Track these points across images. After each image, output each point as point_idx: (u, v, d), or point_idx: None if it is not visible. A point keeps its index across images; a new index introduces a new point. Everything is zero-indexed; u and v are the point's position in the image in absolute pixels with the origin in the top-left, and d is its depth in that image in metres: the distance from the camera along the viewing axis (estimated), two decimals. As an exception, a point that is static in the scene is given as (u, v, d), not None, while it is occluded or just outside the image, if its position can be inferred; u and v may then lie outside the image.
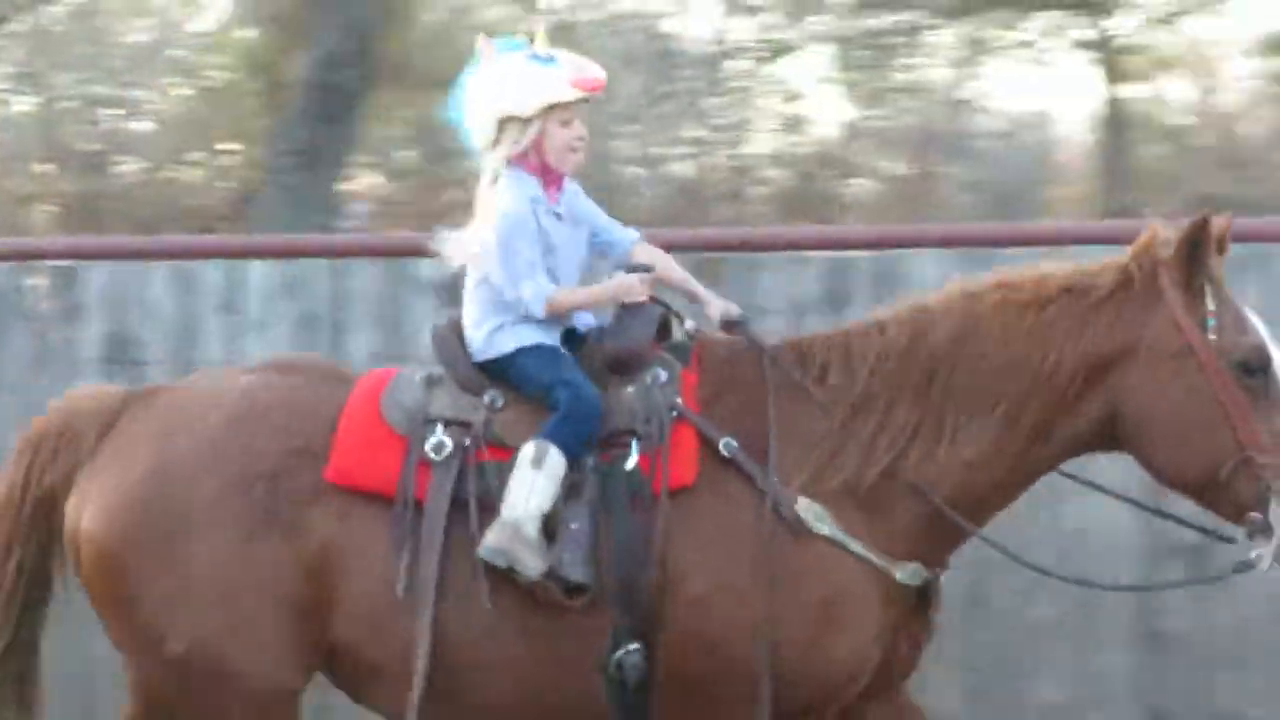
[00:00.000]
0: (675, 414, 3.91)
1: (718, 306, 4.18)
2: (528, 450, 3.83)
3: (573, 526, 3.81)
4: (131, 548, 3.93)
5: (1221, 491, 3.73)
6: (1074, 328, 3.79)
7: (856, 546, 3.82)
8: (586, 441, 3.88)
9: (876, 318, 4.07)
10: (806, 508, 3.82)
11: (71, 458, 4.11)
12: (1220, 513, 3.80)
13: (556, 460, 3.82)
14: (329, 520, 3.89)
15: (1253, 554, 3.72)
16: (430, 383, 4.04)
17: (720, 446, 3.87)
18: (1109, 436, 3.85)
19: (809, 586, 3.80)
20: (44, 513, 4.13)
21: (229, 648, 3.88)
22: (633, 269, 4.16)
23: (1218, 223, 3.77)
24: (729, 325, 4.14)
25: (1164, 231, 3.80)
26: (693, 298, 4.26)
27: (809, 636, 3.80)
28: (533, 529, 3.78)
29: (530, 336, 4.04)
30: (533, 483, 3.80)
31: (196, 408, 4.13)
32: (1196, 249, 3.74)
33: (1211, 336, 3.74)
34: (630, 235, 4.29)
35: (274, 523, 3.89)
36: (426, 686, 3.80)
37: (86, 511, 3.99)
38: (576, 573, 3.78)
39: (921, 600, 3.96)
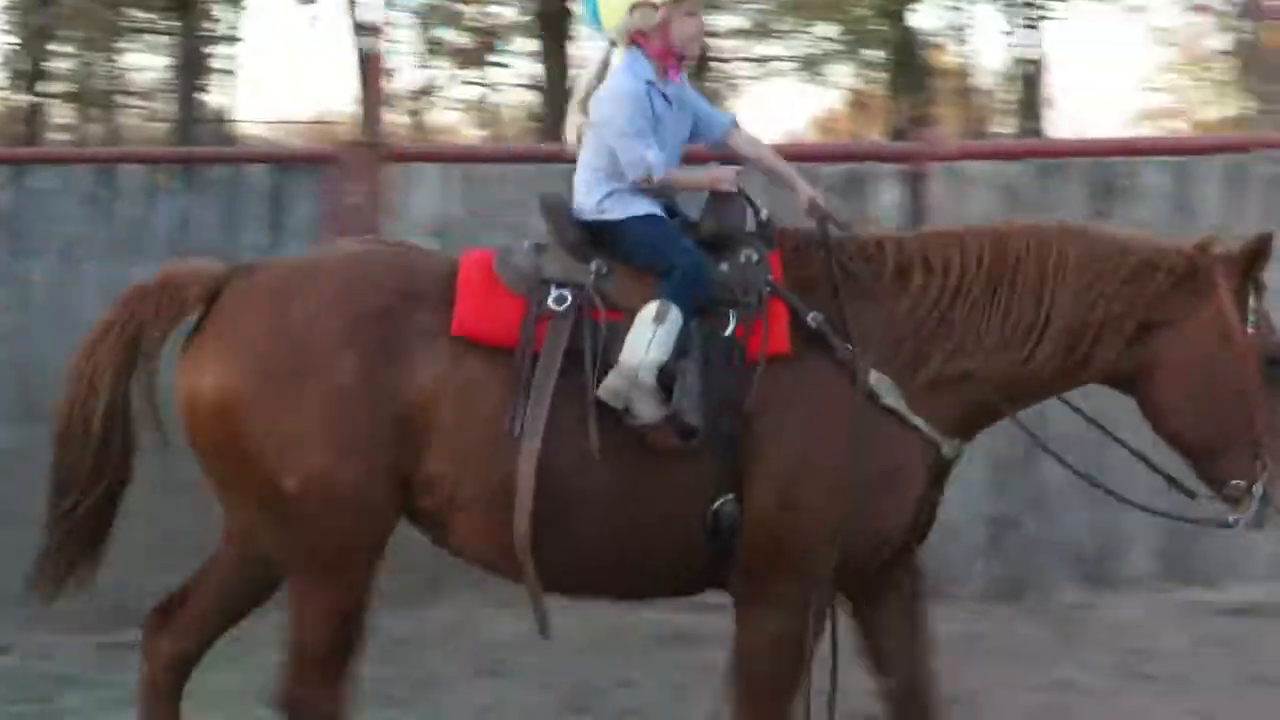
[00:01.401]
0: (770, 289, 4.37)
1: (806, 193, 4.64)
2: (651, 307, 4.25)
3: (689, 377, 4.21)
4: (256, 392, 4.26)
5: (1218, 460, 4.36)
6: (1142, 291, 4.37)
7: (916, 420, 4.35)
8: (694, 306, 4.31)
9: (957, 230, 4.62)
10: (878, 381, 4.32)
11: (173, 315, 4.44)
12: (1205, 475, 4.43)
13: (676, 318, 4.25)
14: (442, 360, 4.27)
15: (1231, 518, 4.36)
16: (539, 250, 4.45)
17: (809, 319, 4.33)
18: (1127, 379, 4.45)
19: (875, 453, 4.28)
20: (137, 366, 4.44)
21: (340, 477, 4.24)
22: (726, 162, 4.62)
23: (1276, 241, 4.41)
24: (814, 209, 4.59)
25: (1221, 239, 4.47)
26: (785, 182, 4.73)
27: (871, 498, 4.27)
28: (650, 377, 4.20)
29: (642, 206, 4.48)
30: (654, 336, 4.22)
31: (308, 267, 4.57)
32: (1256, 259, 4.37)
33: (1250, 330, 4.36)
34: (726, 121, 4.76)
35: (390, 357, 4.27)
36: (530, 513, 4.18)
37: (207, 367, 4.31)
38: (694, 417, 4.19)
39: (940, 472, 4.51)
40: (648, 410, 4.20)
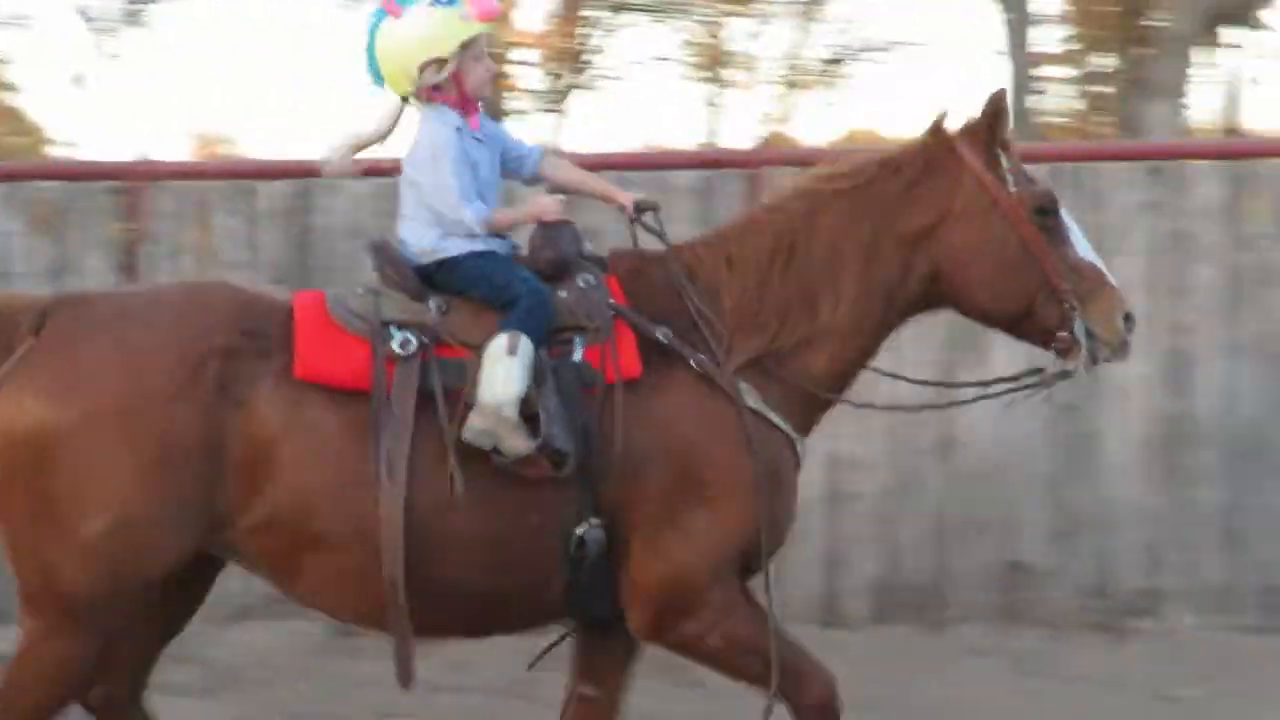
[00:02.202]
0: (614, 312, 4.28)
1: (628, 196, 4.58)
2: (500, 341, 4.14)
3: (551, 404, 4.12)
4: (84, 425, 4.07)
5: (1033, 320, 4.36)
6: (894, 201, 4.37)
7: (776, 419, 4.28)
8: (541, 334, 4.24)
9: (748, 216, 4.63)
10: (738, 386, 4.24)
11: (2, 350, 4.20)
12: (1033, 339, 4.42)
13: (528, 348, 4.15)
14: (281, 401, 4.15)
15: (1069, 365, 4.34)
16: (374, 293, 4.34)
17: (658, 335, 4.25)
18: (937, 295, 4.43)
19: (746, 460, 4.19)
20: None
21: (159, 516, 4.08)
22: (552, 190, 4.61)
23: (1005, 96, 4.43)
24: (641, 210, 4.54)
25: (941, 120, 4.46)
26: (603, 196, 4.63)
27: (748, 507, 4.20)
28: (512, 411, 4.08)
29: (475, 243, 4.40)
30: (509, 370, 4.11)
31: (142, 300, 4.48)
32: (996, 118, 4.38)
33: (1011, 189, 4.36)
34: (536, 152, 4.67)
35: (228, 396, 4.12)
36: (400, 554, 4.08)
37: (29, 402, 4.08)
38: (564, 443, 4.09)
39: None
40: (518, 444, 4.10)
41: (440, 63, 4.37)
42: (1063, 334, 4.34)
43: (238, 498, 4.12)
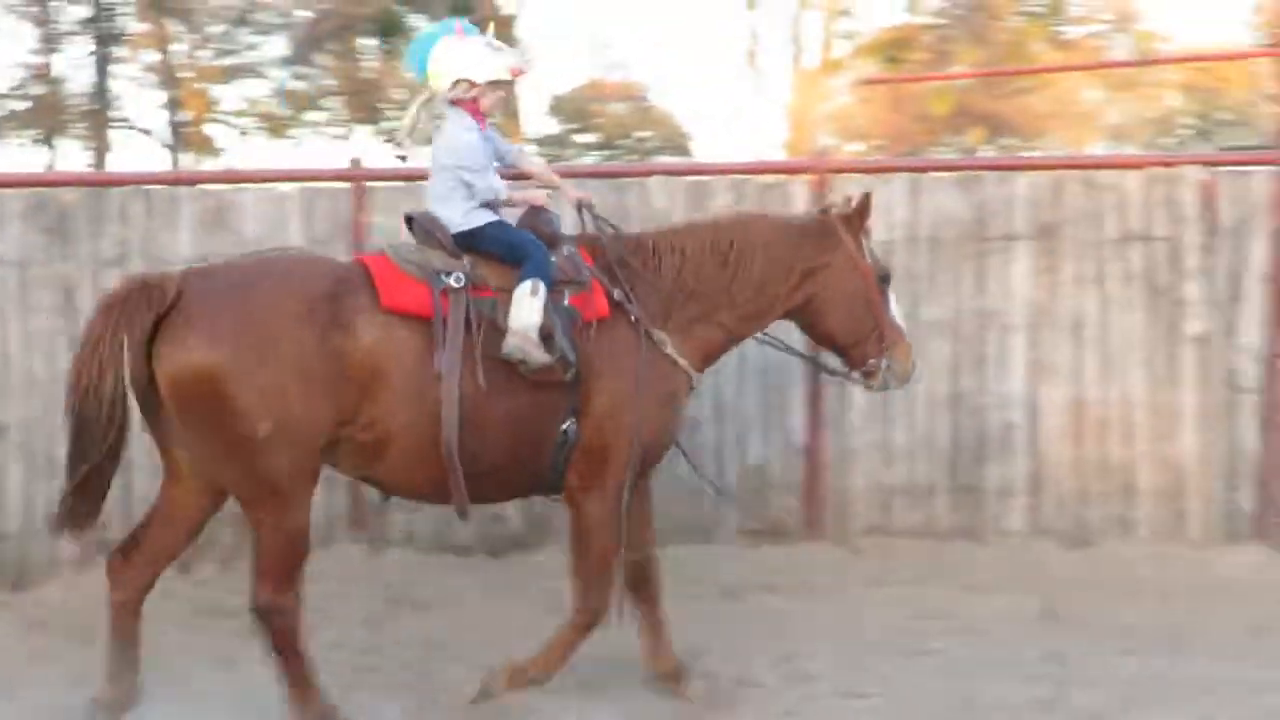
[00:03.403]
0: (590, 272, 6.22)
1: (574, 193, 6.56)
2: (526, 285, 5.97)
3: (560, 331, 5.97)
4: (235, 360, 5.64)
5: (858, 350, 6.53)
6: (801, 247, 6.49)
7: (682, 362, 6.30)
8: None
9: (689, 223, 6.73)
10: (659, 335, 6.24)
11: (156, 309, 5.72)
12: (851, 360, 6.59)
13: (544, 290, 5.99)
14: (375, 328, 5.85)
15: (873, 384, 6.57)
16: (421, 251, 6.12)
17: (614, 294, 6.22)
18: (800, 313, 6.55)
19: (661, 385, 6.23)
20: (133, 351, 5.70)
21: (303, 418, 5.72)
22: (518, 177, 6.63)
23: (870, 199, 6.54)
24: (580, 207, 6.50)
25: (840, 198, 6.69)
26: (560, 190, 6.59)
27: (659, 416, 6.24)
28: (536, 334, 5.93)
29: (491, 216, 6.24)
30: (533, 305, 5.94)
31: (259, 266, 6.05)
32: (862, 214, 6.53)
33: (868, 261, 6.51)
34: (515, 150, 6.58)
35: (338, 326, 5.79)
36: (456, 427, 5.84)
37: (192, 346, 5.66)
38: (572, 356, 6.01)
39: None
40: (540, 356, 5.94)
41: (470, 84, 6.20)
42: (873, 363, 6.53)
43: (351, 400, 5.80)
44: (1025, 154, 21.80)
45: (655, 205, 8.54)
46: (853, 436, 8.73)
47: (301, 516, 5.83)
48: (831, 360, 6.83)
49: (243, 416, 5.63)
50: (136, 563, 6.09)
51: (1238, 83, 32.17)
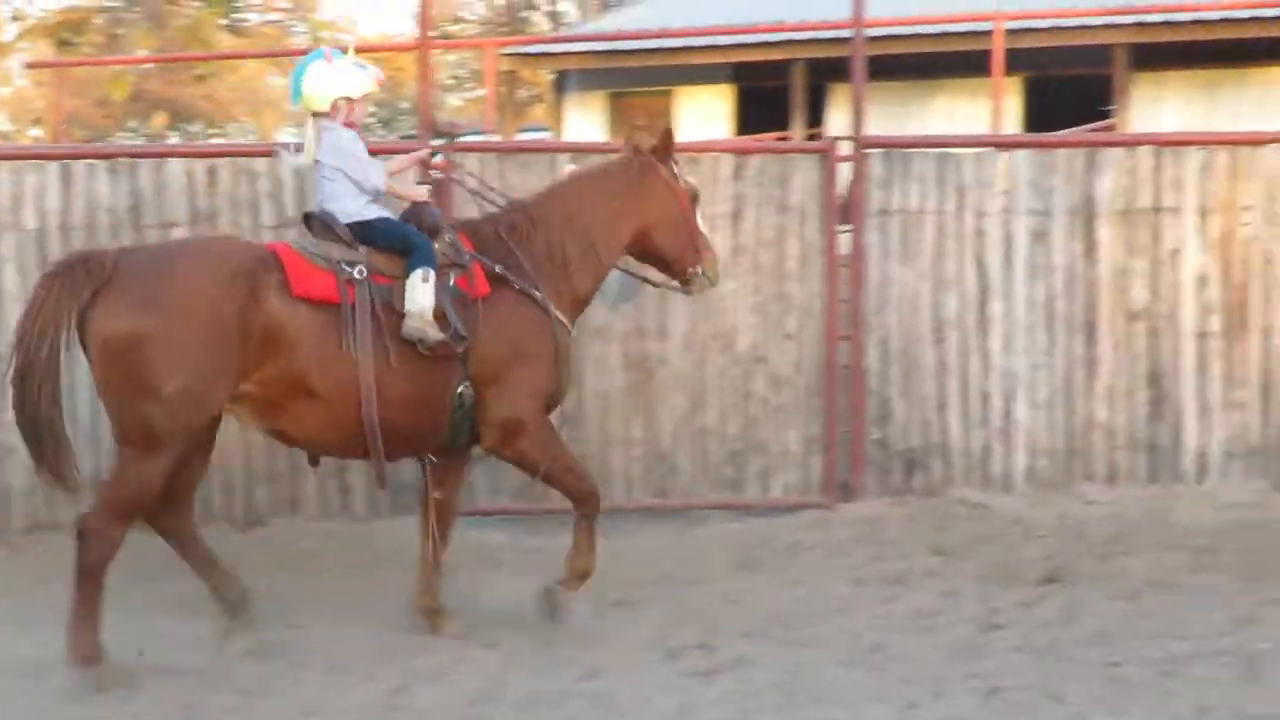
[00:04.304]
0: (471, 256, 7.11)
1: (421, 190, 7.56)
2: (418, 272, 6.85)
3: (449, 309, 6.90)
4: (158, 327, 6.47)
5: (679, 263, 7.58)
6: (626, 191, 7.46)
7: (562, 317, 7.23)
8: None
9: (547, 192, 7.58)
10: (541, 298, 7.17)
11: (95, 282, 6.51)
12: (675, 273, 7.62)
13: (433, 276, 6.88)
14: (283, 304, 6.70)
15: (691, 289, 7.70)
16: (319, 243, 6.94)
17: (497, 269, 7.12)
18: (635, 244, 7.53)
19: (549, 342, 7.16)
20: (72, 317, 6.48)
21: (206, 378, 6.57)
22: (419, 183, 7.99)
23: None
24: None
25: (640, 138, 7.62)
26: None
27: (551, 367, 7.18)
28: (430, 315, 6.84)
29: (380, 211, 7.14)
30: (426, 290, 6.84)
31: (183, 245, 7.53)
32: (669, 141, 7.54)
33: (681, 185, 7.55)
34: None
35: (253, 298, 6.63)
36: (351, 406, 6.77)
37: (120, 314, 6.47)
38: (463, 330, 6.91)
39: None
40: (435, 334, 6.85)
41: (349, 100, 7.13)
42: (692, 271, 7.59)
43: (254, 361, 6.64)
44: (214, 140, 21.74)
45: None
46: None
47: (164, 466, 6.58)
48: (655, 274, 7.79)
49: (152, 378, 6.47)
50: (172, 511, 6.97)
51: (410, 72, 33.55)
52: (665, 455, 9.19)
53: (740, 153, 9.46)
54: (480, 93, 33.49)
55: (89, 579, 6.48)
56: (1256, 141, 9.22)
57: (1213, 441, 9.14)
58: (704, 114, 19.82)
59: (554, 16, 32.76)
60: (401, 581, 7.69)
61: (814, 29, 16.53)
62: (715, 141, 10.13)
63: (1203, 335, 9.14)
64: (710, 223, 8.47)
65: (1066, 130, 13.08)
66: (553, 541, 8.77)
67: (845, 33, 15.53)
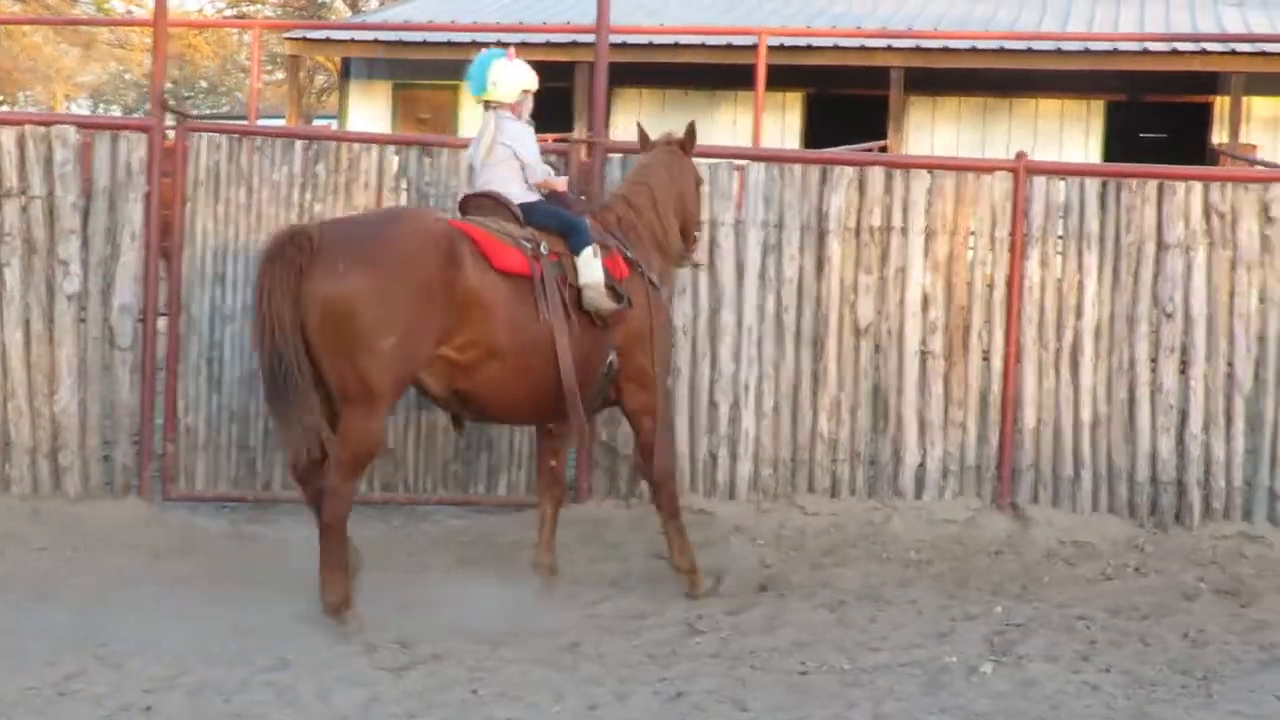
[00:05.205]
0: (611, 238, 8.05)
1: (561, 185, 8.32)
2: (589, 249, 7.73)
3: (614, 283, 7.83)
4: (372, 289, 7.02)
5: (688, 233, 8.59)
6: (678, 177, 8.52)
7: (666, 295, 8.36)
8: None
9: (629, 183, 8.47)
10: (656, 280, 8.19)
11: (304, 255, 6.98)
12: (688, 246, 8.60)
13: (599, 252, 7.80)
14: (484, 276, 7.39)
15: (695, 257, 8.97)
16: (501, 220, 7.69)
17: (628, 254, 8.05)
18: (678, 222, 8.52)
19: (666, 318, 8.35)
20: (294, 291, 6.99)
21: (416, 336, 7.17)
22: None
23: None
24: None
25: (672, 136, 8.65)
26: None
27: (667, 340, 8.38)
28: (603, 287, 7.73)
29: (539, 195, 8.00)
30: (596, 265, 7.73)
31: (384, 215, 8.12)
32: (692, 137, 8.60)
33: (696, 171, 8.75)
34: None
35: (452, 268, 7.25)
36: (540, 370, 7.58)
37: (336, 279, 6.99)
38: (630, 300, 7.90)
39: None
40: (609, 303, 7.73)
41: (528, 93, 8.01)
42: (694, 240, 8.73)
43: (455, 325, 7.28)
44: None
45: None
46: None
47: (383, 419, 7.32)
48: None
49: (370, 335, 7.01)
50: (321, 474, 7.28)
51: (205, 51, 33.13)
52: (392, 450, 9.12)
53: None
54: (280, 76, 33.15)
55: (333, 535, 7.10)
56: (983, 169, 9.45)
57: (931, 458, 9.34)
58: (489, 111, 19.75)
59: (354, 4, 32.42)
60: (111, 563, 7.58)
61: (593, 31, 16.57)
62: (451, 138, 9.96)
63: (925, 354, 9.34)
64: (450, 216, 8.55)
65: (840, 148, 13.31)
66: (270, 529, 8.75)
67: (627, 38, 16.09)
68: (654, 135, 8.65)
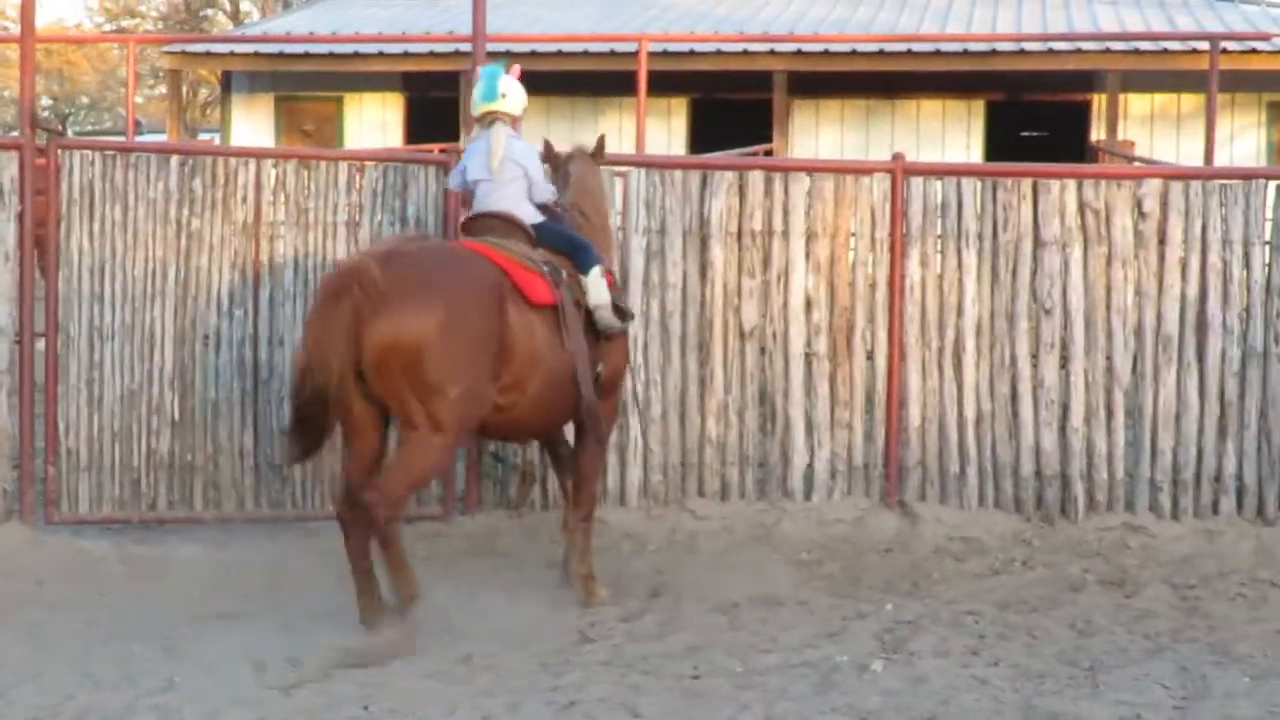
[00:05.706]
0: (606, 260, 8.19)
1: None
2: (596, 269, 7.80)
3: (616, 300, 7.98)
4: (438, 337, 6.98)
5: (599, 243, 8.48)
6: (600, 182, 8.72)
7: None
8: None
9: (577, 193, 8.40)
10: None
11: (370, 293, 6.87)
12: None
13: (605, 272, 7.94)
14: (522, 314, 7.41)
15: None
16: (518, 244, 7.71)
17: (612, 269, 8.22)
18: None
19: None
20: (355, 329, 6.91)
21: (480, 382, 7.21)
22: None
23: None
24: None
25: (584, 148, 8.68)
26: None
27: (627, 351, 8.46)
28: (611, 306, 7.84)
29: (543, 215, 7.98)
30: (604, 284, 7.80)
31: (437, 255, 7.55)
32: (600, 148, 8.65)
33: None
34: None
35: (502, 311, 7.28)
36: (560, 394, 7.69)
37: (403, 323, 6.93)
38: (633, 313, 8.50)
39: None
40: (615, 321, 7.87)
41: (525, 109, 8.13)
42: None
43: (501, 366, 7.30)
44: None
45: None
46: None
47: (452, 443, 7.42)
48: None
49: (437, 381, 7.01)
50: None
51: (85, 67, 32.75)
52: (278, 465, 9.03)
53: (358, 160, 9.43)
54: (161, 90, 32.74)
55: (393, 545, 7.14)
56: (861, 170, 9.54)
57: (819, 459, 9.41)
58: (373, 122, 19.72)
59: (236, 16, 32.12)
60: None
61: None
62: (340, 151, 9.94)
63: (810, 356, 9.41)
64: (329, 230, 8.45)
65: (725, 152, 13.38)
66: (156, 549, 8.63)
67: (511, 47, 16.08)
68: (555, 145, 8.60)
